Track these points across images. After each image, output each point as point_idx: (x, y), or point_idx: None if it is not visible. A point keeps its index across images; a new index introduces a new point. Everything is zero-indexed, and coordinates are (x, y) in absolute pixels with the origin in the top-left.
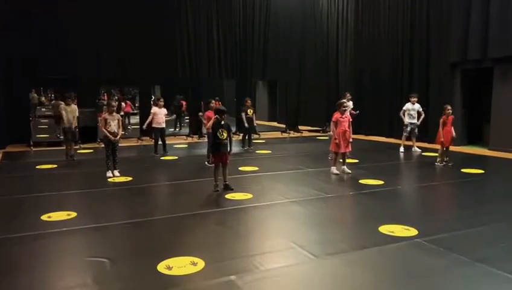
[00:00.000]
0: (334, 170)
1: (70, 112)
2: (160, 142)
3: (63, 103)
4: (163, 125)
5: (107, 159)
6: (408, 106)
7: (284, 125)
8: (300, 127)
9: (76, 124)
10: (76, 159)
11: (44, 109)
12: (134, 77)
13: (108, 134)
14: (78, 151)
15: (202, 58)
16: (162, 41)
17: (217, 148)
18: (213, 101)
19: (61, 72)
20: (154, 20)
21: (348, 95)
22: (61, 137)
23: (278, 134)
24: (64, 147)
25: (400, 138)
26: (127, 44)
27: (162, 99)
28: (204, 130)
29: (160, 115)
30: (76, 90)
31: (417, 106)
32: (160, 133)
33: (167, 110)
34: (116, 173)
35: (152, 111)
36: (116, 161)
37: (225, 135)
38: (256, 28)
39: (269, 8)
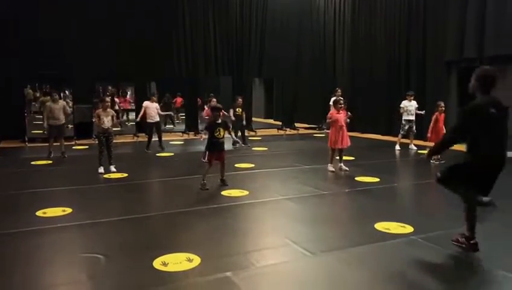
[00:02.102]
0: (330, 167)
1: (58, 108)
2: (156, 139)
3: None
4: (157, 119)
5: (99, 155)
6: (405, 102)
7: (280, 123)
8: (296, 125)
9: (63, 121)
10: (67, 156)
11: (38, 105)
12: (131, 74)
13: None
14: (73, 147)
15: (199, 55)
16: (158, 38)
17: (214, 146)
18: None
19: (57, 68)
20: (151, 18)
21: (339, 91)
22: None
23: (274, 131)
24: (47, 144)
25: (396, 136)
26: (124, 41)
27: (156, 94)
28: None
29: (151, 108)
30: (73, 86)
31: (414, 103)
32: (156, 127)
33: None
34: (112, 168)
35: (143, 105)
36: (112, 157)
37: (222, 133)
38: (253, 25)
39: (266, 6)
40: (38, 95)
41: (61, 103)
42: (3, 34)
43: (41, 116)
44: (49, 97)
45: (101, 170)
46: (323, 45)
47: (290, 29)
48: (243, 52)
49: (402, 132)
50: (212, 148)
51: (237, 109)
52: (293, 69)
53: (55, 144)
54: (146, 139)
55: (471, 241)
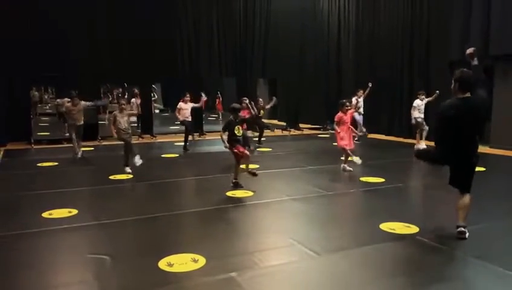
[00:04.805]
0: (347, 167)
1: (77, 110)
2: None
3: (66, 100)
4: (189, 119)
5: (125, 155)
6: (417, 102)
7: (284, 123)
8: (300, 125)
9: (82, 122)
10: (80, 157)
11: (46, 107)
12: (134, 75)
13: (114, 132)
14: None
15: (202, 56)
16: (162, 39)
17: (234, 145)
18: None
19: (61, 70)
20: (154, 19)
21: (361, 92)
22: (67, 134)
23: (278, 132)
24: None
25: (399, 136)
26: (127, 42)
27: (188, 95)
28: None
29: (187, 109)
30: (76, 87)
31: (425, 101)
32: (189, 125)
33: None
34: (128, 169)
35: (178, 107)
36: (129, 158)
37: (241, 131)
38: (257, 25)
39: (269, 6)
40: (46, 96)
41: (81, 104)
42: (7, 35)
43: (47, 118)
44: (66, 99)
45: (128, 169)
46: (327, 44)
47: (293, 29)
48: (247, 52)
49: (422, 127)
50: (233, 144)
51: (260, 112)
52: (297, 69)
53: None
54: (150, 141)
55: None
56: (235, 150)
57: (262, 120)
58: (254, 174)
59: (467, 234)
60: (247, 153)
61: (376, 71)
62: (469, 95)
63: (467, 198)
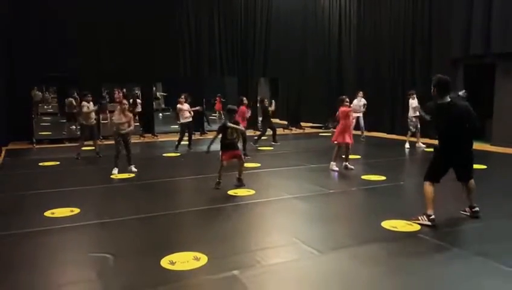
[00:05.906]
0: (334, 166)
1: (92, 110)
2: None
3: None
4: (190, 119)
5: (116, 156)
6: (410, 101)
7: (286, 122)
8: (302, 124)
9: (95, 122)
10: (81, 158)
11: (49, 106)
12: (136, 75)
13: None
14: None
15: (203, 56)
16: (163, 39)
17: (226, 147)
18: (244, 98)
19: (62, 70)
20: (155, 19)
21: (361, 93)
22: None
23: (280, 131)
24: (78, 144)
25: (401, 135)
26: (129, 42)
27: (185, 95)
28: None
29: (184, 109)
30: (77, 87)
31: (414, 102)
32: (188, 127)
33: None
34: (133, 168)
35: (177, 107)
36: (131, 157)
37: (235, 133)
38: (258, 24)
39: (270, 5)
40: (47, 96)
41: (91, 105)
42: (9, 35)
43: (49, 118)
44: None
45: (115, 171)
46: (328, 44)
47: (295, 28)
48: (248, 51)
49: (411, 128)
50: (224, 148)
51: (269, 109)
52: (299, 69)
53: (86, 143)
54: (151, 140)
55: (431, 217)
56: (222, 158)
57: (271, 120)
58: (241, 184)
59: None
60: (237, 159)
61: (378, 70)
62: (449, 99)
63: (472, 181)
